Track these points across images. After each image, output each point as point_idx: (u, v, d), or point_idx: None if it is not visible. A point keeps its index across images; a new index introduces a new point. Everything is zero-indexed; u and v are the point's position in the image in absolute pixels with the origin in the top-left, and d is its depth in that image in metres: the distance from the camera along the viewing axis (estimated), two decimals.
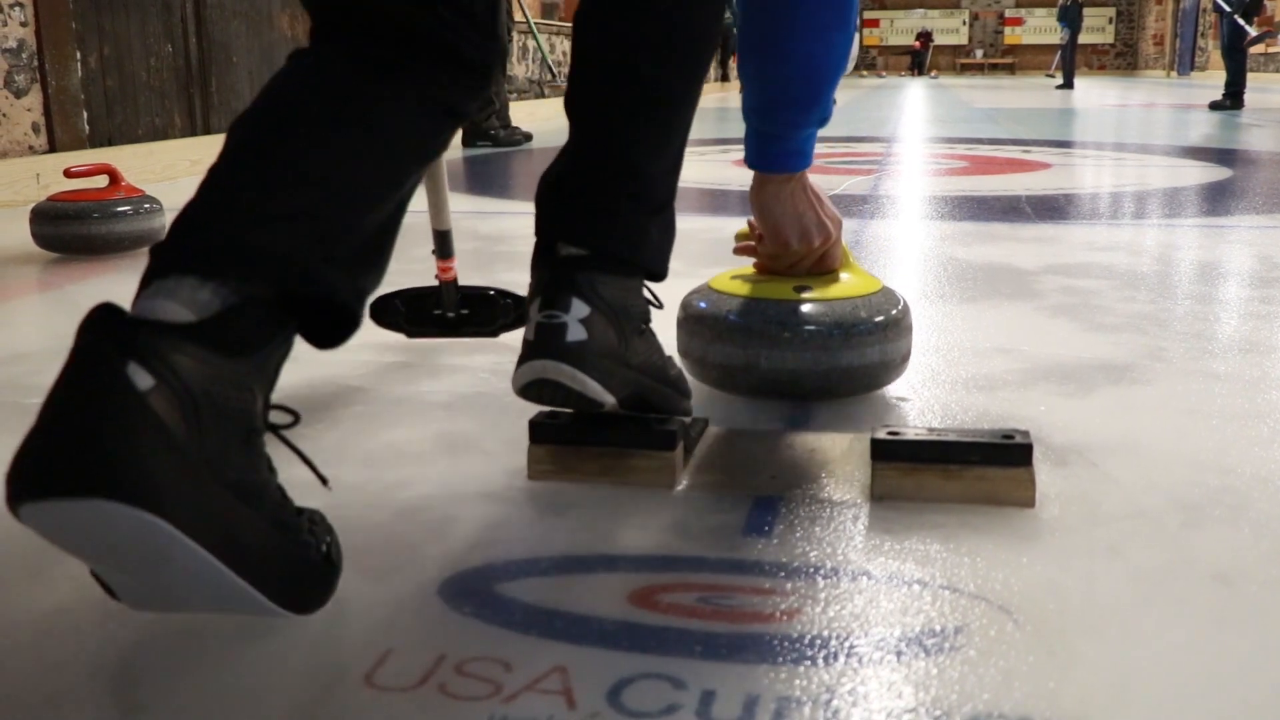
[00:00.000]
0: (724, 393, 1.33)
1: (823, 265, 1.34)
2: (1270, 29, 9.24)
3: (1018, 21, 34.70)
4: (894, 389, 1.39)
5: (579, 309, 1.00)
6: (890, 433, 1.05)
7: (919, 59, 31.26)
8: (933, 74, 30.32)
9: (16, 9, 3.47)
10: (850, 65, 1.27)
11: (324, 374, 1.47)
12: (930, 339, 1.67)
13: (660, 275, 1.12)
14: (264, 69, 4.79)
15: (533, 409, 1.10)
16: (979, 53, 35.08)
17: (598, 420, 1.09)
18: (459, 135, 5.77)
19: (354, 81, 0.90)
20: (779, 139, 1.28)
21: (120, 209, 2.48)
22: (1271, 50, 22.84)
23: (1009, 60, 34.36)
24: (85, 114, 3.76)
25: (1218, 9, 9.45)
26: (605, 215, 1.05)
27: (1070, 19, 16.47)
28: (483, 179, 4.60)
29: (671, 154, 1.10)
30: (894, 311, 1.30)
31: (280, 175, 0.84)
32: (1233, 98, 9.38)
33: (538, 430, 1.10)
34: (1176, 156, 5.06)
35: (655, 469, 1.07)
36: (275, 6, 4.87)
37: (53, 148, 3.62)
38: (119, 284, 2.22)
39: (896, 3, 35.47)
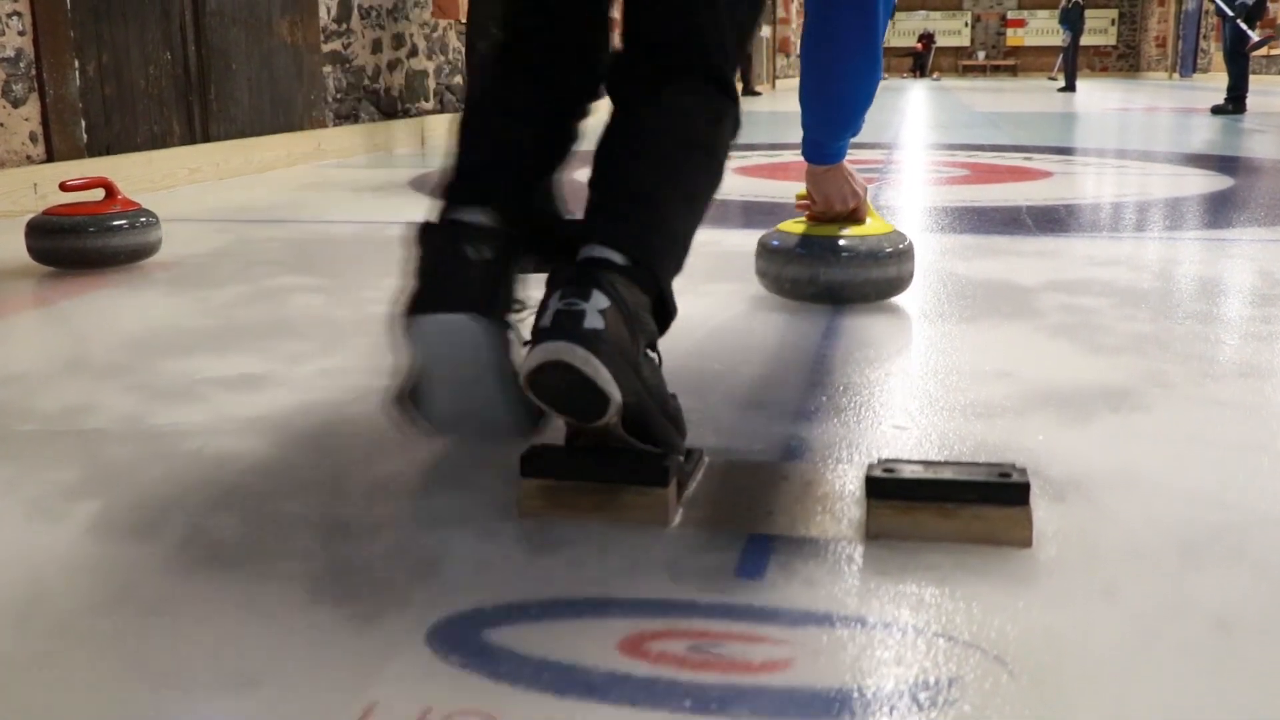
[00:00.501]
0: (794, 300, 1.95)
1: (855, 217, 1.98)
2: (1272, 34, 9.22)
3: (1020, 23, 34.65)
4: (892, 418, 1.38)
5: (599, 300, 1.02)
6: (886, 469, 1.04)
7: (921, 61, 31.23)
8: (935, 76, 30.29)
9: (14, 18, 3.46)
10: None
11: (313, 400, 1.46)
12: (930, 361, 1.66)
13: (669, 307, 1.14)
14: (263, 76, 4.78)
15: (524, 442, 1.09)
16: (981, 54, 35.03)
17: (589, 453, 1.08)
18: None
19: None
20: (826, 145, 1.92)
21: (116, 223, 2.46)
22: (1274, 53, 22.85)
23: (1011, 62, 34.31)
24: (83, 122, 3.74)
25: (1220, 13, 9.43)
26: (636, 226, 1.13)
27: (1072, 21, 16.46)
28: None
29: (692, 219, 1.21)
30: (903, 245, 1.97)
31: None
32: (1235, 102, 9.36)
33: (529, 464, 1.09)
34: (1178, 164, 5.05)
35: (648, 505, 1.05)
36: (275, 13, 4.85)
37: (50, 157, 3.61)
38: (115, 299, 2.21)
39: (899, 4, 35.36)
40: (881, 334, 1.83)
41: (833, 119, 1.88)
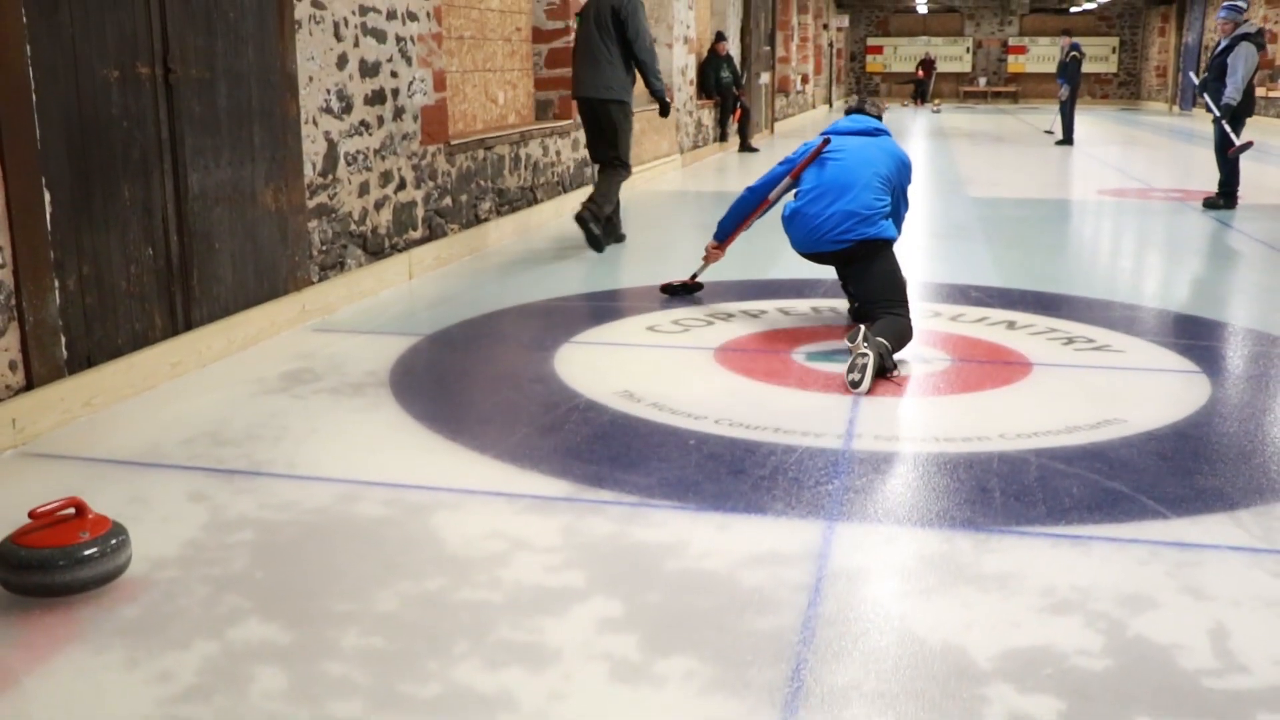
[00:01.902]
0: None
1: None
2: (1252, 141, 9.27)
3: (1021, 50, 34.68)
4: None
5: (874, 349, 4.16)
6: None
7: (921, 88, 31.25)
8: (935, 104, 30.29)
9: None
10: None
11: None
12: None
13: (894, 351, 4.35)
14: (247, 248, 4.80)
15: None
16: (982, 80, 35.04)
17: None
18: (582, 235, 7.24)
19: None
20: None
21: (86, 553, 2.50)
22: (1272, 94, 22.81)
23: (1012, 89, 34.34)
24: (63, 339, 3.76)
25: (1209, 109, 9.45)
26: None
27: (1070, 75, 16.48)
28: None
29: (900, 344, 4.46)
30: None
31: None
32: (1226, 197, 9.42)
33: None
34: (1160, 339, 5.06)
35: None
36: (259, 183, 4.86)
37: (30, 383, 3.62)
38: (75, 677, 2.21)
39: (900, 30, 35.42)
40: None
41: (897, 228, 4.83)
